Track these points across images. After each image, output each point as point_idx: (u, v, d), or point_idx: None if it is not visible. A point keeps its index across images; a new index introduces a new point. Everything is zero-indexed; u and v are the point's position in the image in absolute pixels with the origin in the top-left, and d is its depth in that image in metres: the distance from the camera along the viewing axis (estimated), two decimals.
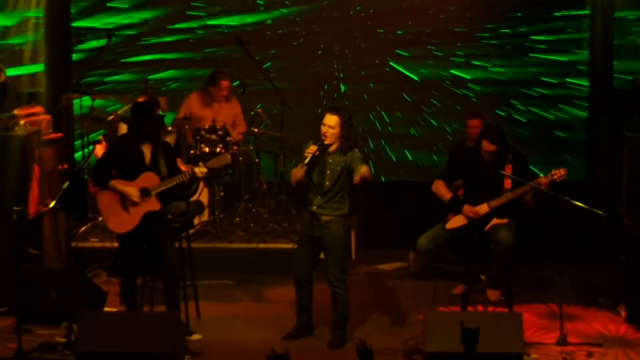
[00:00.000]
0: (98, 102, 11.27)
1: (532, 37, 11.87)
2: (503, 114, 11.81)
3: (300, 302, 8.64)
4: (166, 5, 12.10)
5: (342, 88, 12.09)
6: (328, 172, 8.38)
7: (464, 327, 6.56)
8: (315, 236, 8.47)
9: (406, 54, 12.00)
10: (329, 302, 8.59)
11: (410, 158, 12.07)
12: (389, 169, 12.09)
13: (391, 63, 12.02)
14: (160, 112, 10.03)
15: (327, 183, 8.39)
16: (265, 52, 11.99)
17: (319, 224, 8.43)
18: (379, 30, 12.01)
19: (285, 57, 12.09)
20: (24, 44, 11.78)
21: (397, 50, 12.00)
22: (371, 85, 12.07)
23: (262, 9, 12.08)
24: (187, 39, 12.12)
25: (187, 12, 12.10)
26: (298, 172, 8.47)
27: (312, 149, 8.34)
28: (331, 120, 8.36)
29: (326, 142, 8.36)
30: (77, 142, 11.63)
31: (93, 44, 12.03)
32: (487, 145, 8.73)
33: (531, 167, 8.99)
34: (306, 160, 8.34)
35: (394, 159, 12.09)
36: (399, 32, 11.97)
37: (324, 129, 8.36)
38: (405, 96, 12.04)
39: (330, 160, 8.39)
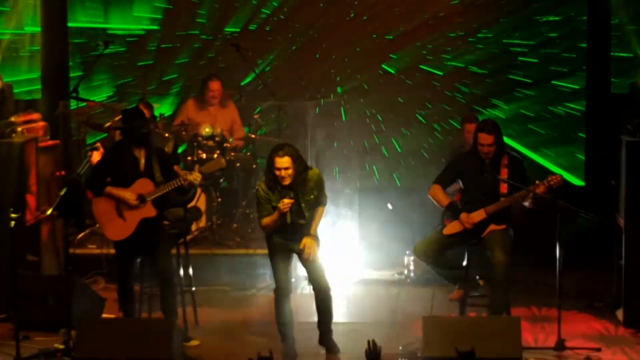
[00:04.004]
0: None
1: (528, 42, 11.90)
2: (502, 116, 11.81)
3: (282, 316, 8.41)
4: (164, 11, 12.10)
5: (340, 91, 12.11)
6: (303, 204, 8.21)
7: (459, 351, 6.57)
8: (298, 249, 8.31)
9: (402, 59, 12.02)
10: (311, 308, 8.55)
11: (406, 162, 12.08)
12: (385, 173, 12.09)
13: (387, 67, 12.04)
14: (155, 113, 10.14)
15: (307, 214, 8.25)
16: (262, 58, 12.00)
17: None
18: (375, 36, 12.04)
19: (283, 62, 12.10)
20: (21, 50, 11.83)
21: (393, 55, 12.02)
22: (366, 87, 12.08)
23: (259, 15, 12.10)
24: (184, 45, 12.13)
25: (185, 18, 12.11)
26: (275, 224, 8.20)
27: (288, 204, 8.07)
28: (284, 162, 8.10)
29: (287, 184, 8.14)
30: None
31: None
32: (484, 138, 8.64)
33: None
34: (289, 220, 8.15)
35: (391, 164, 12.10)
36: (394, 37, 11.99)
37: (280, 173, 8.10)
38: (402, 100, 12.06)
39: (300, 194, 8.20)
